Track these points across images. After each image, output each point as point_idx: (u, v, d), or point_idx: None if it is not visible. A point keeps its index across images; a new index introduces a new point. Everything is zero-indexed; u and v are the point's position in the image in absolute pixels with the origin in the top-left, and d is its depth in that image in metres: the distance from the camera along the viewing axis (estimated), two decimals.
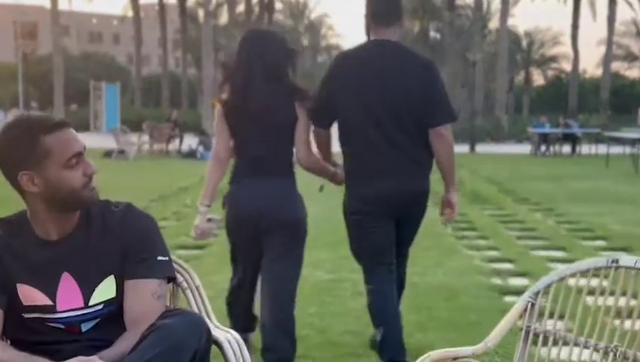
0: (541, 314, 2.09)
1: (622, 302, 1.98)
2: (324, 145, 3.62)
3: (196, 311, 2.12)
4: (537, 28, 60.05)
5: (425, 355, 2.03)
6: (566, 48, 62.91)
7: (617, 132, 22.52)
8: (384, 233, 3.49)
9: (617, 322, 2.01)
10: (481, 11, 39.16)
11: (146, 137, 21.25)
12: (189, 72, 50.68)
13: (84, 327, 1.91)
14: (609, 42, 38.83)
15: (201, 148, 19.12)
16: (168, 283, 2.01)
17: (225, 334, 2.00)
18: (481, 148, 24.36)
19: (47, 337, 1.89)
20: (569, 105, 38.97)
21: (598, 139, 22.03)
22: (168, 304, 2.13)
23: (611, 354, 1.92)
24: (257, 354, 3.62)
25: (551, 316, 2.10)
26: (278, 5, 50.86)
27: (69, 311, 1.88)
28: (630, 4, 42.77)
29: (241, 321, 3.70)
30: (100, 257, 1.90)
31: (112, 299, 1.91)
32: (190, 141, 21.20)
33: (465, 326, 4.32)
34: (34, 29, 70.23)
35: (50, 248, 1.89)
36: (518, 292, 5.15)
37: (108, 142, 20.30)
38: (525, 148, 23.85)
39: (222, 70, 3.66)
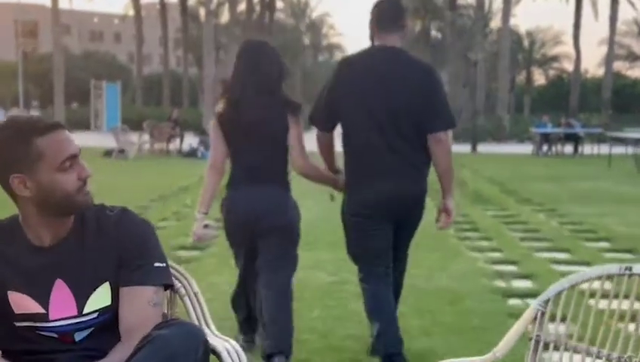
0: (551, 322, 2.02)
1: (635, 310, 1.91)
2: (327, 148, 3.68)
3: (194, 318, 2.05)
4: (539, 27, 59.99)
5: None
6: (567, 48, 62.95)
7: (619, 132, 22.45)
8: (383, 236, 3.53)
9: (631, 331, 1.94)
10: (483, 11, 39.03)
11: (146, 136, 21.17)
12: (190, 71, 50.63)
13: (78, 337, 1.84)
14: (611, 42, 38.73)
15: (201, 148, 19.04)
16: (165, 290, 1.93)
17: (224, 343, 1.93)
18: (482, 147, 24.28)
19: (40, 347, 1.83)
20: (570, 104, 38.89)
21: (600, 139, 21.95)
22: (165, 311, 2.06)
23: None
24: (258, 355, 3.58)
25: (562, 323, 2.03)
26: (279, 4, 50.76)
27: (62, 319, 1.82)
28: (632, 4, 42.69)
29: (244, 313, 3.82)
30: (94, 263, 1.83)
31: (107, 307, 1.84)
32: (191, 140, 21.14)
33: (469, 331, 4.25)
34: (35, 28, 70.21)
35: (42, 254, 1.82)
36: (522, 295, 5.11)
37: (108, 142, 20.25)
38: (527, 148, 23.78)
39: (221, 85, 3.86)
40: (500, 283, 5.44)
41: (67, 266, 1.82)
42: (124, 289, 1.82)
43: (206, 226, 3.54)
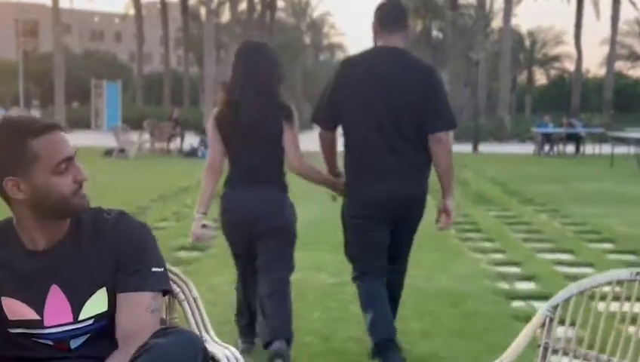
0: (560, 326, 1.96)
1: None
2: (329, 146, 3.68)
3: (193, 324, 2.00)
4: (540, 27, 59.90)
5: None
6: (569, 48, 62.96)
7: (621, 131, 22.39)
8: (382, 237, 3.55)
9: None
10: (484, 10, 38.98)
11: (146, 136, 21.11)
12: (190, 70, 50.57)
13: (74, 344, 1.79)
14: (612, 42, 38.66)
15: (202, 148, 18.97)
16: (164, 295, 1.88)
17: (223, 350, 1.88)
18: (483, 147, 24.22)
19: (35, 354, 1.78)
20: (572, 104, 38.83)
21: (601, 139, 21.87)
22: (164, 316, 2.01)
23: None
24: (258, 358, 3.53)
25: (570, 330, 1.97)
26: (280, 3, 50.72)
27: (57, 326, 1.76)
28: (634, 4, 42.59)
29: (245, 319, 3.80)
30: (90, 268, 1.78)
31: (104, 313, 1.79)
32: (191, 140, 21.06)
33: (472, 334, 4.20)
34: (35, 27, 70.18)
35: (37, 258, 1.76)
36: (526, 297, 5.06)
37: (109, 141, 20.20)
38: (528, 148, 23.72)
39: (222, 87, 3.87)
40: (503, 285, 5.38)
41: (63, 271, 1.77)
42: (121, 295, 1.77)
43: (204, 226, 3.55)
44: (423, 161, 3.52)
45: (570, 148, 22.47)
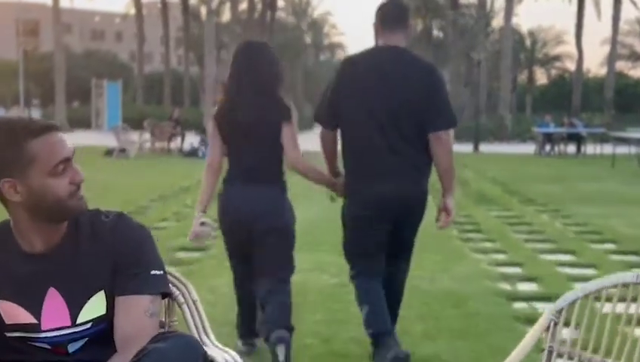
0: (564, 331, 1.94)
1: None
2: (330, 145, 3.67)
3: (193, 327, 1.97)
4: (541, 27, 59.78)
5: None
6: (569, 47, 62.86)
7: (622, 131, 22.35)
8: (381, 237, 3.55)
9: None
10: (485, 10, 38.93)
11: (147, 135, 21.09)
12: (191, 70, 50.52)
13: (72, 348, 1.76)
14: (613, 41, 38.61)
15: (202, 147, 18.94)
16: (163, 298, 1.85)
17: (223, 354, 1.85)
18: (484, 147, 24.19)
19: (32, 358, 1.75)
20: (572, 104, 38.78)
21: (603, 139, 21.83)
22: (163, 319, 1.99)
23: None
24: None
25: (575, 335, 1.95)
26: (280, 3, 50.70)
27: (54, 330, 1.74)
28: (635, 4, 42.52)
29: (245, 315, 3.77)
30: (89, 271, 1.75)
31: (102, 316, 1.76)
32: (192, 139, 21.03)
33: (474, 335, 4.17)
34: (36, 27, 70.15)
35: (35, 261, 1.74)
36: (528, 298, 5.03)
37: (109, 141, 20.17)
38: (529, 148, 23.68)
39: (222, 87, 3.82)
40: (505, 286, 5.36)
41: (60, 274, 1.74)
42: (119, 299, 1.74)
43: (203, 224, 3.55)
44: (424, 160, 3.51)
45: (571, 148, 22.42)
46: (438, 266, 5.94)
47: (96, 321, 1.76)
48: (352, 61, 3.65)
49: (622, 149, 18.81)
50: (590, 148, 22.08)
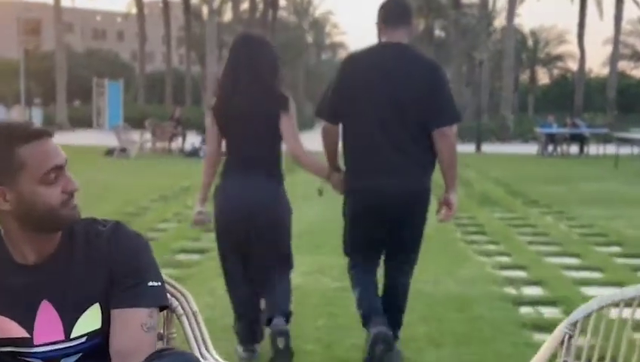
0: (579, 348, 1.86)
1: None
2: (332, 138, 3.65)
3: (192, 339, 1.90)
4: (543, 26, 59.57)
5: None
6: (571, 47, 62.73)
7: (625, 132, 22.26)
8: (381, 234, 3.58)
9: None
10: (487, 9, 38.83)
11: (148, 135, 21.01)
12: (192, 70, 50.46)
13: None
14: (616, 41, 38.49)
15: (204, 147, 18.86)
16: (161, 311, 1.78)
17: None
18: (486, 147, 24.09)
19: None
20: (575, 104, 38.68)
21: (606, 140, 21.74)
22: (161, 332, 1.91)
23: None
24: None
25: (591, 350, 1.87)
26: (282, 2, 50.66)
27: (47, 344, 1.66)
28: (637, 3, 42.39)
29: (244, 318, 3.72)
30: (83, 283, 1.68)
31: (97, 330, 1.68)
32: (193, 139, 20.94)
33: (479, 341, 4.10)
34: (37, 26, 70.07)
35: (27, 273, 1.66)
36: (533, 302, 4.96)
37: (110, 140, 20.11)
38: (531, 148, 23.57)
39: (217, 82, 3.89)
40: (510, 290, 5.28)
41: (54, 286, 1.66)
42: (115, 312, 1.67)
43: (200, 213, 3.72)
44: (426, 158, 3.50)
45: (574, 149, 22.33)
46: (441, 269, 5.86)
47: (91, 335, 1.68)
48: (355, 58, 3.64)
49: (625, 150, 18.72)
50: (593, 149, 21.97)
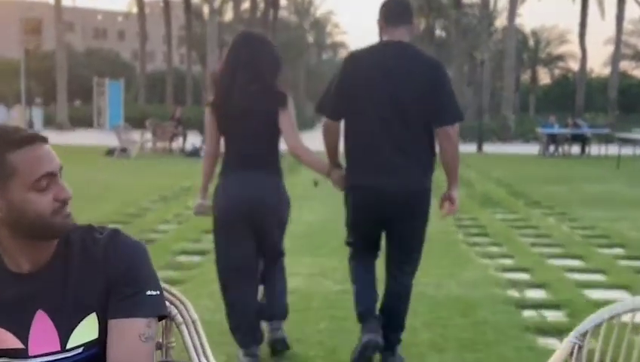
0: (590, 360, 1.81)
1: None
2: (333, 135, 3.64)
3: (192, 349, 1.85)
4: (544, 26, 59.55)
5: None
6: (573, 47, 62.70)
7: (627, 132, 22.20)
8: (381, 230, 3.60)
9: None
10: (488, 9, 38.76)
11: (148, 135, 20.97)
12: (193, 69, 50.43)
13: None
14: (617, 41, 38.41)
15: (204, 147, 18.80)
16: (160, 321, 1.73)
17: None
18: (488, 147, 24.05)
19: None
20: (576, 104, 38.62)
21: (607, 140, 21.68)
22: (160, 341, 1.86)
23: None
24: None
25: (601, 359, 1.82)
26: (283, 2, 50.63)
27: (43, 355, 1.61)
28: (639, 3, 42.35)
29: (244, 322, 3.68)
30: (80, 292, 1.63)
31: (94, 341, 1.63)
32: (194, 139, 20.89)
33: (483, 346, 4.06)
34: (38, 25, 70.05)
35: (21, 282, 1.61)
36: (537, 306, 4.91)
37: (111, 140, 20.07)
38: (533, 149, 23.52)
39: (211, 76, 3.92)
40: (513, 293, 5.23)
41: (49, 295, 1.61)
42: (112, 322, 1.62)
43: (201, 206, 3.81)
44: (427, 157, 3.50)
45: (575, 149, 22.28)
46: (444, 271, 5.82)
47: (87, 346, 1.63)
48: (356, 57, 3.63)
49: (626, 150, 18.66)
50: (594, 149, 21.91)
